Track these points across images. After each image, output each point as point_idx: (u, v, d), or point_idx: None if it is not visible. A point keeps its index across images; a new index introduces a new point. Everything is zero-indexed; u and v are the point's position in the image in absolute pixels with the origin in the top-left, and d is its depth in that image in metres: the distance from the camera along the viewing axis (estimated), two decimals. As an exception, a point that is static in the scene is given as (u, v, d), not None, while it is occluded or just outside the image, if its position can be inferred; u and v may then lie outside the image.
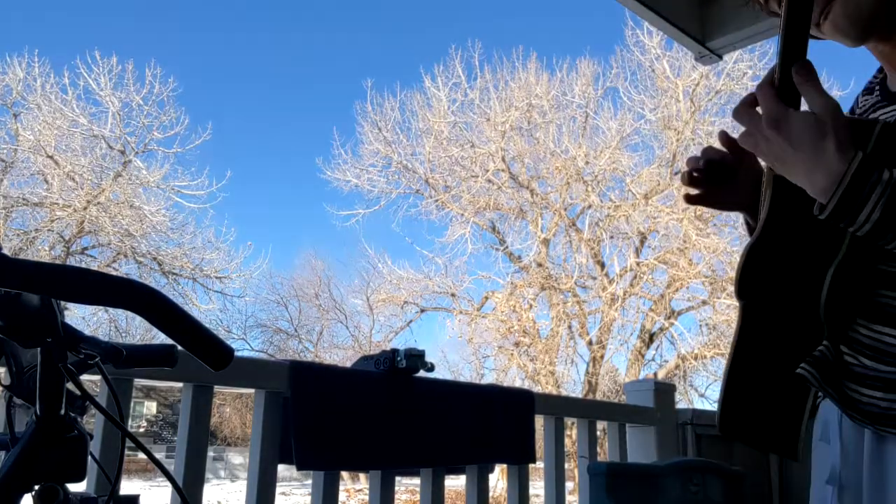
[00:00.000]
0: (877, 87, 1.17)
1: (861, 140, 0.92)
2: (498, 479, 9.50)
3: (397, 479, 2.05)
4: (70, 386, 0.79)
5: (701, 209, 13.72)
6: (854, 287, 0.98)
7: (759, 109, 0.95)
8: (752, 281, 1.04)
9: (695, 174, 1.20)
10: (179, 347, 0.76)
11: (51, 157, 15.28)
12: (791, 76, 0.92)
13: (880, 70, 1.19)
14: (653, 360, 15.78)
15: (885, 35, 1.08)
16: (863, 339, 1.00)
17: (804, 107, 0.94)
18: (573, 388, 15.77)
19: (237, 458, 25.04)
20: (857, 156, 0.88)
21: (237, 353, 0.89)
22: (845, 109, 1.08)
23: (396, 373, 1.96)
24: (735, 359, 1.07)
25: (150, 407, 28.00)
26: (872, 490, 0.99)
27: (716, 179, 1.20)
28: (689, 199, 1.24)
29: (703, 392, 15.91)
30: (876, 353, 0.98)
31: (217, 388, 1.77)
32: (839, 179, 0.87)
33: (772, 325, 1.06)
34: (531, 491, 2.47)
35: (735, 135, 1.04)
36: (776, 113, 0.91)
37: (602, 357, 15.67)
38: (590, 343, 15.65)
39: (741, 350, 1.07)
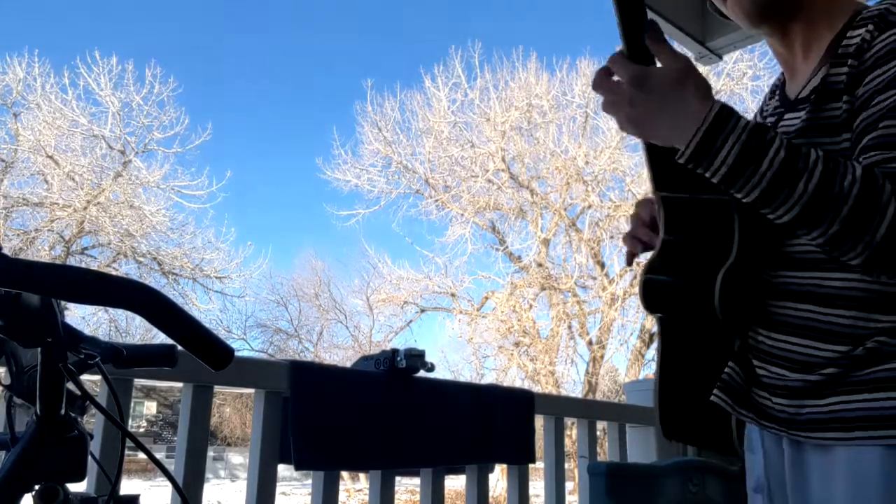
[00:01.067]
0: (777, 91, 1.18)
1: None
2: (498, 479, 9.50)
3: (397, 479, 2.05)
4: (70, 386, 0.79)
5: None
6: (745, 294, 1.01)
7: (615, 79, 0.97)
8: (655, 295, 1.09)
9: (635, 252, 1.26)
10: (179, 347, 0.76)
11: (51, 157, 15.28)
12: (637, 41, 0.95)
13: (774, 90, 1.21)
14: (653, 360, 15.76)
15: (781, 29, 1.09)
16: (767, 348, 1.02)
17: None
18: (573, 388, 15.79)
19: (237, 458, 25.03)
20: (717, 102, 0.91)
21: (237, 353, 0.89)
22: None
23: (396, 373, 1.96)
24: (663, 367, 1.12)
25: (150, 407, 27.99)
26: (796, 497, 1.00)
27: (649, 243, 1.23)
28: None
29: (703, 392, 15.91)
30: (780, 360, 1.00)
31: (217, 388, 1.77)
32: (702, 118, 0.89)
33: (688, 332, 1.10)
34: (531, 491, 2.47)
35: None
36: (636, 72, 0.93)
37: (602, 357, 15.68)
38: (590, 343, 15.66)
39: (666, 358, 1.12)
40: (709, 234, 1.03)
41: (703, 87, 0.93)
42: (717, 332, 1.05)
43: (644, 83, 0.92)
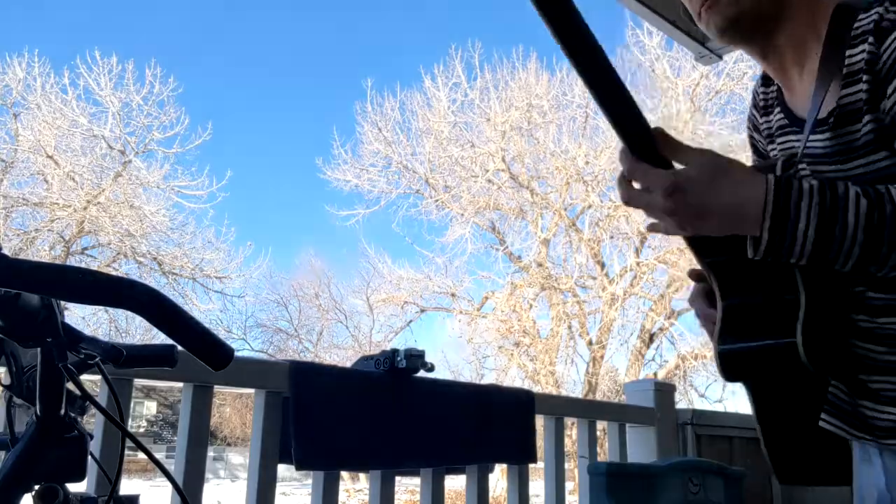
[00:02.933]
0: (776, 104, 1.14)
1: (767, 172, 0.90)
2: (498, 479, 9.49)
3: (397, 479, 2.05)
4: (70, 386, 0.79)
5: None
6: (829, 340, 0.97)
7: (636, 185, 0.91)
8: (734, 366, 1.04)
9: None
10: (179, 347, 0.76)
11: (51, 157, 15.28)
12: (643, 142, 0.87)
13: (768, 79, 1.16)
14: (653, 360, 15.79)
15: (762, 47, 1.06)
16: (876, 362, 0.97)
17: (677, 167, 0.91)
18: (573, 388, 15.78)
19: (237, 458, 25.03)
20: (770, 177, 0.85)
21: (237, 353, 0.89)
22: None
23: (396, 373, 1.96)
24: (763, 424, 1.07)
25: (150, 407, 27.99)
26: None
27: None
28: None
29: (703, 392, 15.92)
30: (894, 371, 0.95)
31: (217, 388, 1.77)
32: (763, 203, 0.83)
33: (778, 387, 1.05)
34: (531, 491, 2.46)
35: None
36: (668, 182, 0.86)
37: (602, 357, 15.67)
38: (590, 343, 15.66)
39: (764, 415, 1.07)
40: (769, 289, 0.98)
41: (740, 167, 0.88)
42: (809, 378, 1.00)
43: (681, 191, 0.86)
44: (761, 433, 1.08)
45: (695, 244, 1.03)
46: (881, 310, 0.96)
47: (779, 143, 1.14)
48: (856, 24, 0.95)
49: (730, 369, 1.03)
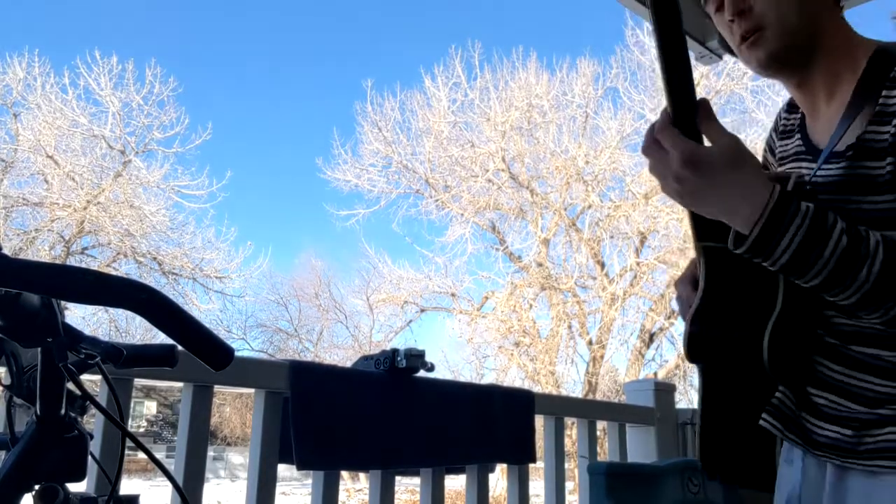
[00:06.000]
0: (797, 131, 1.17)
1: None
2: (498, 479, 9.50)
3: (397, 479, 2.05)
4: (70, 386, 0.79)
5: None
6: (793, 346, 1.02)
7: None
8: (699, 347, 1.09)
9: None
10: (179, 347, 0.76)
11: (51, 157, 15.28)
12: (685, 114, 0.94)
13: (793, 106, 1.20)
14: (653, 360, 15.78)
15: (799, 77, 1.09)
16: (828, 378, 1.02)
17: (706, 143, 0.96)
18: (573, 388, 15.78)
19: (237, 458, 25.02)
20: (776, 187, 0.90)
21: (237, 353, 0.89)
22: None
23: (396, 373, 1.96)
24: (704, 412, 1.14)
25: (150, 407, 27.98)
26: None
27: None
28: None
29: (703, 392, 15.89)
30: (844, 392, 1.00)
31: (217, 388, 1.77)
32: (762, 208, 0.89)
33: (731, 379, 1.11)
34: (531, 491, 2.46)
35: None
36: (688, 152, 0.92)
37: (602, 357, 15.67)
38: (590, 343, 15.65)
39: (708, 402, 1.13)
40: (751, 283, 1.03)
41: (758, 168, 0.92)
42: (760, 378, 1.05)
43: (697, 165, 0.91)
44: (700, 422, 1.14)
45: (697, 224, 1.07)
46: (850, 336, 1.01)
47: (790, 168, 1.17)
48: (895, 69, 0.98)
49: (694, 350, 1.09)
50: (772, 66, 1.08)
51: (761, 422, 1.03)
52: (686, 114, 0.94)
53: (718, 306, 1.07)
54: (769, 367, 0.99)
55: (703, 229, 1.06)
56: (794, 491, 1.10)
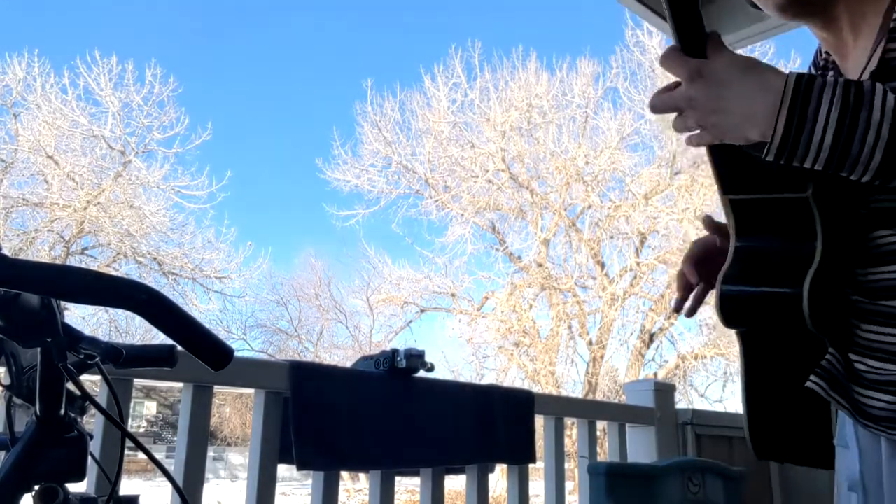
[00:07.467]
0: (831, 69, 1.13)
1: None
2: (498, 479, 9.50)
3: (397, 479, 2.05)
4: (70, 386, 0.79)
5: (701, 209, 13.73)
6: (836, 299, 0.94)
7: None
8: (734, 309, 1.01)
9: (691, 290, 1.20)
10: (179, 348, 0.76)
11: (51, 157, 15.28)
12: (692, 39, 0.87)
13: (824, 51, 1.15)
14: (653, 360, 15.79)
15: (822, 19, 1.05)
16: (867, 342, 0.95)
17: None
18: (573, 388, 15.78)
19: (237, 458, 25.01)
20: (792, 72, 0.83)
21: (237, 353, 0.89)
22: None
23: (396, 373, 1.96)
24: (749, 384, 1.04)
25: (150, 407, 27.98)
26: (894, 498, 0.93)
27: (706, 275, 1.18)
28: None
29: (703, 392, 15.92)
30: (884, 353, 0.93)
31: (217, 388, 1.77)
32: (783, 86, 0.81)
33: (774, 343, 1.02)
34: (531, 491, 2.46)
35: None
36: (694, 66, 0.87)
37: (602, 357, 15.67)
38: (590, 343, 15.66)
39: (752, 374, 1.04)
40: (786, 235, 0.95)
41: (770, 67, 0.85)
42: (807, 341, 0.96)
43: (704, 73, 0.86)
44: (744, 395, 1.05)
45: (722, 176, 0.99)
46: (877, 292, 0.94)
47: None
48: None
49: (729, 313, 1.00)
50: (790, 8, 1.03)
51: (808, 383, 0.93)
52: (696, 42, 0.87)
53: (751, 262, 0.99)
54: (811, 323, 0.90)
55: (730, 180, 0.98)
56: (854, 476, 0.99)
